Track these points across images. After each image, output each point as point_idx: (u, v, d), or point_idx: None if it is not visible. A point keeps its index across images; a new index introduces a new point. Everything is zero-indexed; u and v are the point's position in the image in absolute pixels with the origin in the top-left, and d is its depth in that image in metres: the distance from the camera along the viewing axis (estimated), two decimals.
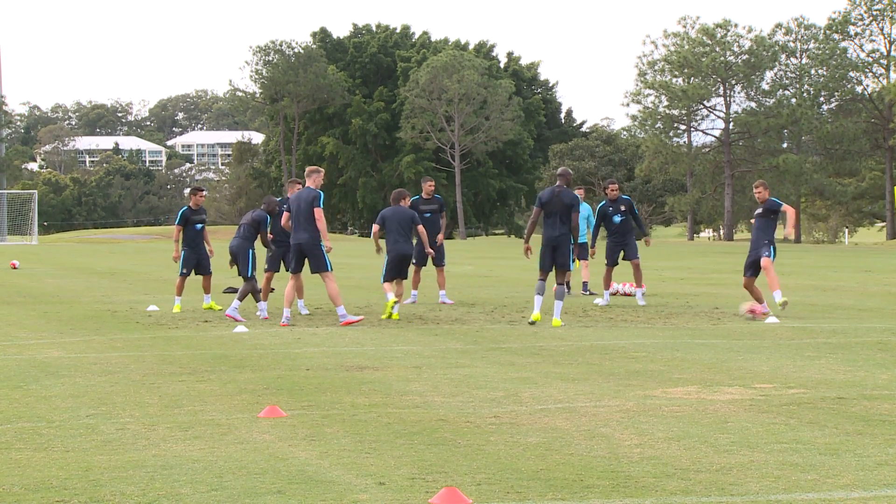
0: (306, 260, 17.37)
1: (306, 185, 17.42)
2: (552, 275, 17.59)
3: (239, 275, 18.96)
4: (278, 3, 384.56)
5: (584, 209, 24.20)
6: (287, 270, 18.25)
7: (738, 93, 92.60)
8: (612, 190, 21.94)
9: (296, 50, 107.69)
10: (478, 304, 21.29)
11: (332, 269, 17.33)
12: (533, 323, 17.04)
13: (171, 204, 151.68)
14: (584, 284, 24.06)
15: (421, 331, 16.54)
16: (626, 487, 6.93)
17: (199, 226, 20.15)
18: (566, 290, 17.88)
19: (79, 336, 15.90)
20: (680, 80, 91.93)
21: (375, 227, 19.49)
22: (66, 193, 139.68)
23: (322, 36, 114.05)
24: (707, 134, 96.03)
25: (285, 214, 17.56)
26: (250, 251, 18.76)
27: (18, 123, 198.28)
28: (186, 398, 10.36)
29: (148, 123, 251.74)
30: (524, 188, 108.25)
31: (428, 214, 21.53)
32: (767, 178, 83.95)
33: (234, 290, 24.38)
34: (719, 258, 47.90)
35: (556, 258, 17.22)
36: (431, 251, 20.27)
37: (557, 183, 17.55)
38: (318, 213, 17.02)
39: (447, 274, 23.40)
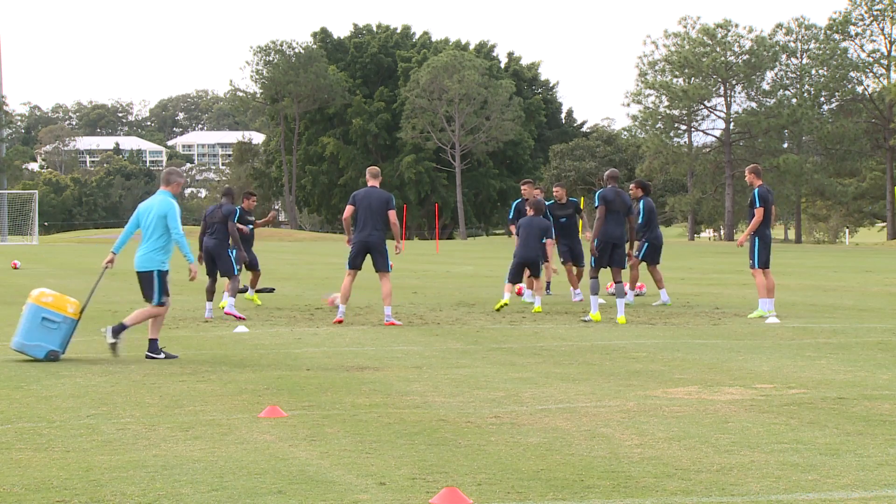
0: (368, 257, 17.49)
1: (370, 184, 17.51)
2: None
3: (223, 276, 18.97)
4: (278, 3, 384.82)
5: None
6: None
7: (739, 93, 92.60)
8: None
9: (296, 50, 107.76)
10: (478, 305, 21.29)
11: (391, 270, 17.69)
12: (589, 321, 17.42)
13: None
14: (547, 285, 24.06)
15: (421, 331, 16.54)
16: (627, 488, 6.93)
17: (250, 227, 20.80)
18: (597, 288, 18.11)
19: (79, 336, 15.87)
20: (680, 80, 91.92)
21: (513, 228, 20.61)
22: (66, 193, 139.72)
23: (322, 36, 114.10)
24: (708, 134, 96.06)
25: (348, 209, 17.46)
26: (229, 250, 18.83)
27: (19, 123, 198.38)
28: (187, 398, 10.36)
29: (148, 123, 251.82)
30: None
31: (563, 220, 22.14)
32: (768, 179, 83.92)
33: (247, 290, 24.34)
34: (720, 258, 47.89)
35: (614, 256, 18.02)
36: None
37: (610, 185, 18.19)
38: (393, 215, 17.33)
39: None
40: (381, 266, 17.39)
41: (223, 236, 18.81)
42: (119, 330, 13.33)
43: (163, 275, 13.50)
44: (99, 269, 13.96)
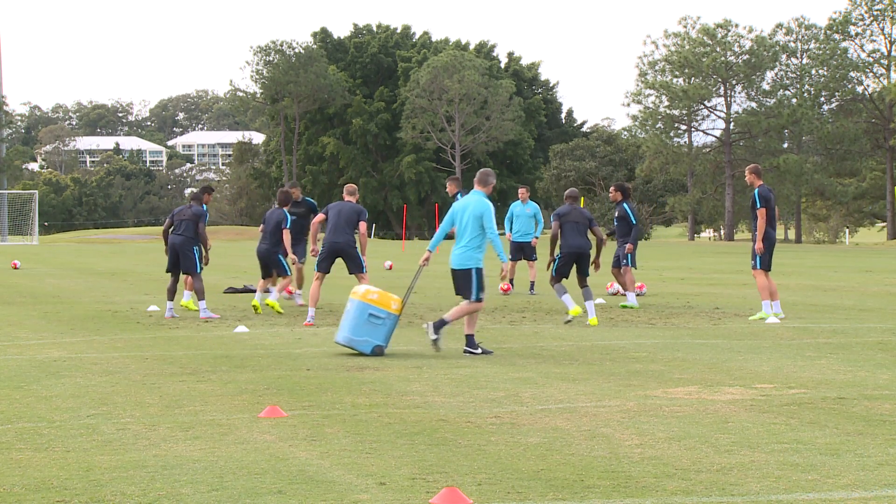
0: (336, 261, 17.83)
1: (345, 199, 18.02)
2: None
3: (185, 272, 19.00)
4: (279, 3, 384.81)
5: (532, 207, 24.15)
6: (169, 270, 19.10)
7: (739, 93, 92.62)
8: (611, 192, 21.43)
9: (296, 50, 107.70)
10: None
11: (366, 271, 17.89)
12: (572, 319, 17.29)
13: (171, 204, 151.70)
14: (532, 284, 24.04)
15: (421, 331, 16.53)
16: (627, 488, 6.93)
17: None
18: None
19: (79, 336, 15.90)
20: (680, 80, 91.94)
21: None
22: (66, 194, 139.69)
23: (323, 36, 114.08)
24: (708, 134, 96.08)
25: (318, 216, 18.07)
26: (195, 248, 18.92)
27: (19, 124, 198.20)
28: (187, 398, 10.36)
29: (148, 123, 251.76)
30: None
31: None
32: (768, 179, 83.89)
33: (235, 290, 24.40)
34: (720, 258, 47.88)
35: (580, 265, 17.89)
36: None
37: (567, 203, 18.11)
38: (364, 226, 17.73)
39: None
40: (354, 268, 17.75)
41: (190, 234, 18.92)
42: (440, 325, 13.71)
43: (480, 272, 13.85)
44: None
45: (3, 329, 16.98)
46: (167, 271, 19.16)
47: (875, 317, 18.72)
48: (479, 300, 13.81)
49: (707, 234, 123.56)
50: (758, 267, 18.07)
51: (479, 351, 13.66)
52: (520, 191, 24.73)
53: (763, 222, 17.94)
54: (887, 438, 8.37)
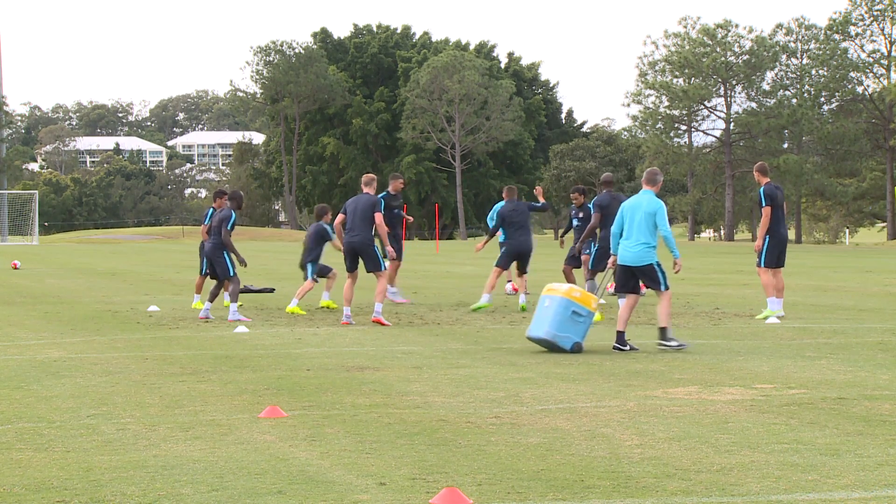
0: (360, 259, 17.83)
1: (364, 191, 17.88)
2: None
3: (221, 278, 18.98)
4: (279, 3, 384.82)
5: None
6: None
7: (739, 93, 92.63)
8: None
9: (296, 50, 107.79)
10: None
11: (385, 269, 17.81)
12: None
13: (171, 204, 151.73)
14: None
15: (421, 331, 16.54)
16: (627, 488, 6.93)
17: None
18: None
19: (80, 336, 15.90)
20: (680, 80, 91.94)
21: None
22: (66, 194, 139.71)
23: (323, 36, 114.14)
24: (708, 134, 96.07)
25: (340, 216, 18.01)
26: (224, 252, 18.91)
27: (19, 124, 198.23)
28: (187, 398, 10.36)
29: (149, 124, 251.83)
30: (525, 188, 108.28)
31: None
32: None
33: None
34: (720, 258, 47.89)
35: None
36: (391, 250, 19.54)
37: (605, 190, 18.42)
38: (379, 217, 17.57)
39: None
40: (371, 267, 17.68)
41: (217, 240, 18.92)
42: (664, 334, 13.94)
43: (660, 264, 14.16)
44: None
45: (3, 329, 16.97)
46: (211, 277, 19.37)
47: (875, 317, 18.72)
48: (668, 288, 14.14)
49: (707, 234, 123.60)
50: (762, 265, 18.05)
51: (674, 343, 13.92)
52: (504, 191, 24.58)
53: (767, 220, 17.97)
54: (887, 438, 8.37)
